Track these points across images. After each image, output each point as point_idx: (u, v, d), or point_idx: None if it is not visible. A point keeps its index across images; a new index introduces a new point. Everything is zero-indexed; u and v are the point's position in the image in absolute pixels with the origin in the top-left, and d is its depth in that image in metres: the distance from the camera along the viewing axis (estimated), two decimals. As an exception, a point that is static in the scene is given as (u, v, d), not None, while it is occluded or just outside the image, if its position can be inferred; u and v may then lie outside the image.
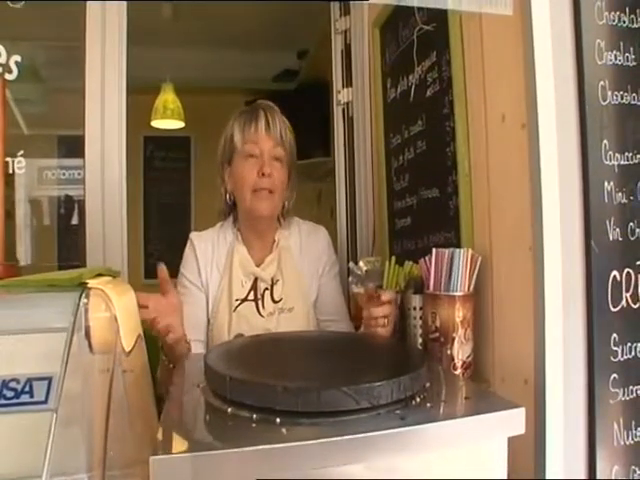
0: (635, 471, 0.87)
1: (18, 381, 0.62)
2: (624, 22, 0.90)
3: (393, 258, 1.17)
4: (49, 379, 0.62)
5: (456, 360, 0.99)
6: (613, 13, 0.89)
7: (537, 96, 0.86)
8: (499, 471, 0.67)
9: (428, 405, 0.68)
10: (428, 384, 0.74)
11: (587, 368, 0.85)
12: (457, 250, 1.01)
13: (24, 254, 1.64)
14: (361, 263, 1.28)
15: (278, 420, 0.62)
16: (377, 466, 0.62)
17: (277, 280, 1.25)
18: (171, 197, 3.94)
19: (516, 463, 0.70)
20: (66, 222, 1.65)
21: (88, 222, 1.51)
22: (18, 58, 1.44)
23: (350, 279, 1.29)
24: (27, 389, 0.62)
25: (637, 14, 0.91)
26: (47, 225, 1.69)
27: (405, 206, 1.46)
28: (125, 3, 1.56)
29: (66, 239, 1.66)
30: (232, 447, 0.56)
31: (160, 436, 0.60)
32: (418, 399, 0.69)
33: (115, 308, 0.72)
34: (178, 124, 3.33)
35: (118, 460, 0.66)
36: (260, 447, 0.56)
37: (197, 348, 1.15)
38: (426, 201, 1.32)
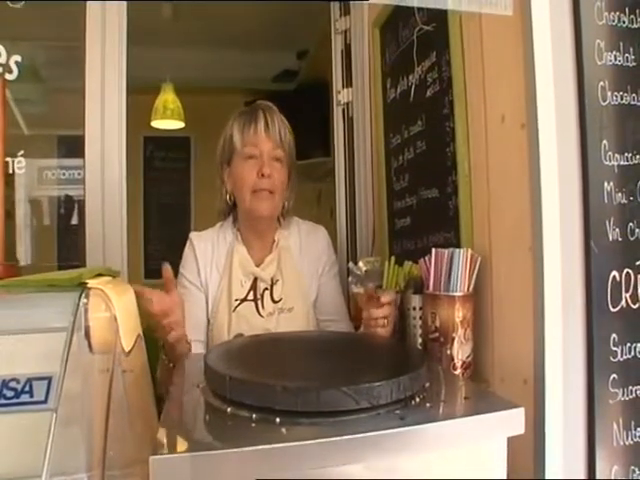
0: (634, 471, 0.87)
1: (18, 381, 0.62)
2: (624, 22, 0.90)
3: (393, 258, 1.17)
4: (49, 379, 0.62)
5: (456, 360, 0.99)
6: (613, 13, 0.89)
7: (537, 96, 0.86)
8: (499, 471, 0.67)
9: (428, 405, 0.68)
10: (428, 384, 0.74)
11: (587, 368, 0.85)
12: (457, 250, 1.01)
13: (24, 254, 1.64)
14: (361, 263, 1.28)
15: (278, 420, 0.62)
16: (377, 466, 0.62)
17: (277, 280, 1.25)
18: (171, 197, 3.94)
19: (515, 463, 0.70)
20: (66, 222, 1.65)
21: (88, 222, 1.51)
22: (18, 58, 1.44)
23: (350, 279, 1.29)
24: (27, 389, 0.62)
25: (637, 14, 0.91)
26: (47, 225, 1.69)
27: (405, 206, 1.46)
28: (125, 3, 1.56)
29: (66, 239, 1.66)
30: (232, 447, 0.56)
31: (160, 436, 0.60)
32: (418, 399, 0.69)
33: (115, 308, 0.72)
34: (178, 124, 3.33)
35: (118, 460, 0.67)
36: (260, 447, 0.56)
37: (197, 348, 1.15)
38: (426, 201, 1.32)
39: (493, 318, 1.02)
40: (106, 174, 1.53)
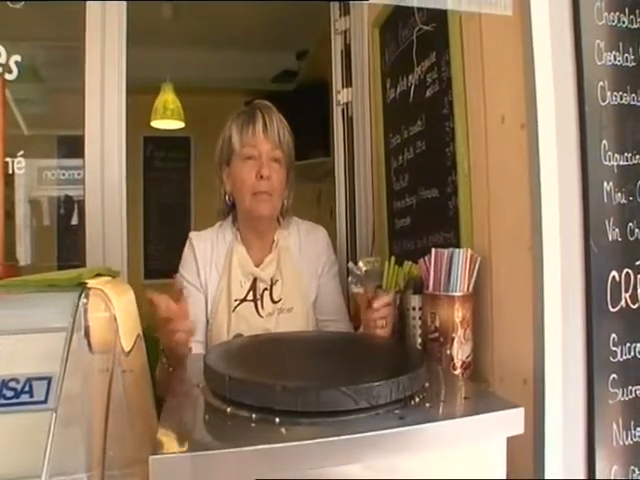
0: (634, 471, 0.87)
1: (18, 381, 0.62)
2: (623, 22, 0.90)
3: (392, 258, 1.17)
4: (49, 379, 0.62)
5: (455, 360, 0.99)
6: (612, 13, 0.89)
7: (537, 96, 0.86)
8: (498, 471, 0.67)
9: (427, 405, 0.68)
10: (427, 384, 0.74)
11: (586, 368, 0.85)
12: (456, 250, 1.01)
13: (24, 254, 1.64)
14: (360, 263, 1.28)
15: (277, 420, 0.62)
16: (376, 466, 0.62)
17: (276, 280, 1.25)
18: (171, 197, 3.94)
19: (515, 463, 0.70)
20: (66, 222, 1.65)
21: (88, 222, 1.51)
22: (18, 58, 1.44)
23: (349, 279, 1.29)
24: (27, 389, 0.62)
25: (636, 14, 0.91)
26: (47, 225, 1.69)
27: (404, 206, 1.46)
28: (125, 3, 1.56)
29: (66, 239, 1.66)
30: (231, 447, 0.56)
31: (160, 436, 0.60)
32: (417, 399, 0.69)
33: (114, 308, 0.72)
34: (178, 124, 3.33)
35: (117, 460, 0.67)
36: (259, 447, 0.56)
37: (196, 348, 1.14)
38: (425, 201, 1.32)
39: (493, 318, 1.02)
40: (106, 174, 1.53)
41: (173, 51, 3.11)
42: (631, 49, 0.90)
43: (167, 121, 3.27)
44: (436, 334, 1.00)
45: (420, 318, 1.10)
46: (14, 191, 1.55)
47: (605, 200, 0.87)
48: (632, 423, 0.87)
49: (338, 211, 2.00)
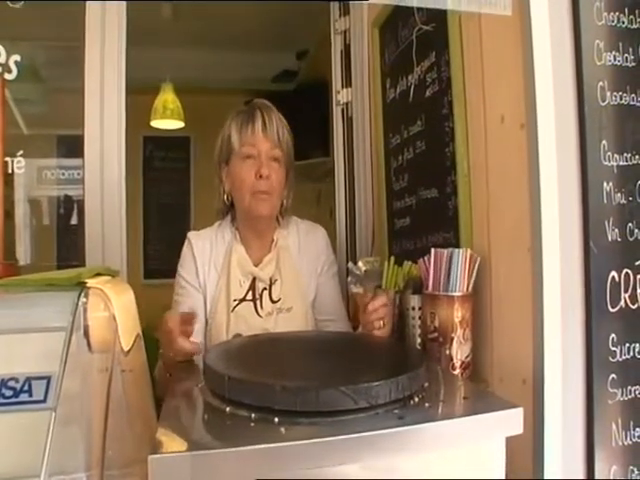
0: (633, 471, 0.87)
1: (17, 380, 0.62)
2: (623, 23, 0.90)
3: (392, 258, 1.17)
4: (48, 378, 0.62)
5: (455, 360, 0.99)
6: (612, 14, 0.89)
7: (536, 97, 0.86)
8: (497, 471, 0.67)
9: (426, 405, 0.68)
10: (426, 384, 0.74)
11: (586, 368, 0.85)
12: (456, 250, 1.01)
13: (23, 254, 1.64)
14: (360, 263, 1.28)
15: (276, 419, 0.62)
16: (375, 466, 0.62)
17: (275, 280, 1.25)
18: (170, 197, 3.94)
19: (514, 463, 0.70)
20: (65, 222, 1.65)
21: (87, 222, 1.51)
22: (18, 58, 1.44)
23: (349, 279, 1.29)
24: (26, 388, 0.62)
25: (636, 15, 0.91)
26: (46, 225, 1.70)
27: (404, 206, 1.46)
28: (125, 3, 1.56)
29: (65, 239, 1.66)
30: (231, 446, 0.56)
31: (159, 435, 0.60)
32: (416, 399, 0.69)
33: (114, 307, 0.72)
34: (178, 124, 3.33)
35: (117, 459, 0.67)
36: (258, 446, 0.56)
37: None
38: (425, 201, 1.32)
39: (492, 318, 1.02)
40: (105, 174, 1.53)
41: (173, 51, 3.11)
42: (631, 49, 0.90)
43: (167, 121, 3.27)
44: (435, 334, 1.00)
45: (419, 318, 1.10)
46: (14, 191, 1.55)
47: (605, 200, 0.87)
48: (631, 423, 0.87)
49: (338, 211, 2.00)
